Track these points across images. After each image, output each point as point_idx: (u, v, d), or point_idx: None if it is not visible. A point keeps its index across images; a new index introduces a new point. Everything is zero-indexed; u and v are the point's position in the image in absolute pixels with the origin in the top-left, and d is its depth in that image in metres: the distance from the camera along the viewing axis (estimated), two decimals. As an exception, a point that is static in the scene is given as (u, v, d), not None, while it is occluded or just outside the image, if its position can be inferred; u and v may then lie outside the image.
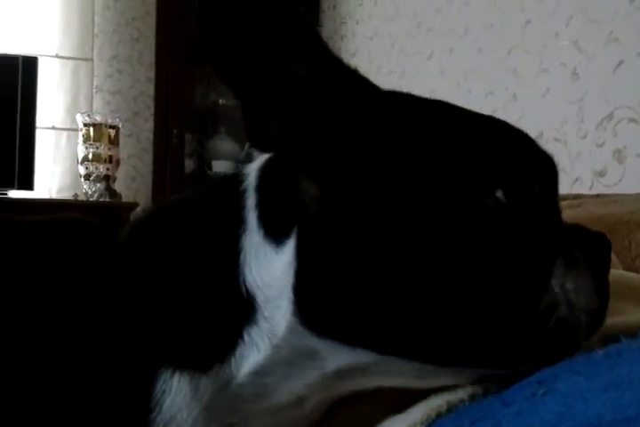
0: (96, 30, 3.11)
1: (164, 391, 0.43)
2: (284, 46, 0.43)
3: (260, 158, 0.50)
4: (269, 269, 0.44)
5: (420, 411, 0.42)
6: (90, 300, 0.46)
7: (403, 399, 0.45)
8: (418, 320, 0.41)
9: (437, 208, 0.41)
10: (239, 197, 0.47)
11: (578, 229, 0.46)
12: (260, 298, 0.44)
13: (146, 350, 0.44)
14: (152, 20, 3.14)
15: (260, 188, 0.47)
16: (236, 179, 0.49)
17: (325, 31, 3.06)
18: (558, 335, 0.40)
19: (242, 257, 0.45)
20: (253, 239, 0.45)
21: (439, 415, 0.41)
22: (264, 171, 0.48)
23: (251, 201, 0.46)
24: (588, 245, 0.44)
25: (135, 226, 0.51)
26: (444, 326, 0.41)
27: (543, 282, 0.41)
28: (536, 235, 0.42)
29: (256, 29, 0.42)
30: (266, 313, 0.43)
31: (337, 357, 0.43)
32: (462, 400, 0.41)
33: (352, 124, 0.44)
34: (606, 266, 0.45)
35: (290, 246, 0.43)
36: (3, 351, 0.44)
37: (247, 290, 0.44)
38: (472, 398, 0.41)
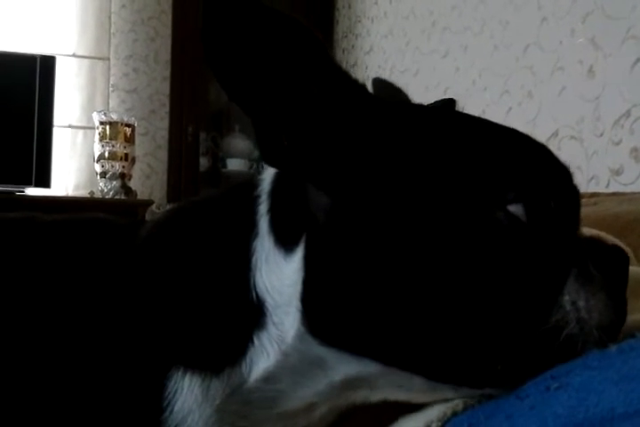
0: (112, 29, 3.14)
1: (175, 392, 0.43)
2: (296, 65, 0.43)
3: None
4: (279, 275, 0.44)
5: (437, 409, 0.42)
6: (106, 299, 0.46)
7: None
8: (423, 333, 0.41)
9: (446, 221, 0.41)
10: (253, 201, 0.47)
11: (594, 243, 0.45)
12: (269, 303, 0.44)
13: (158, 350, 0.44)
14: (168, 19, 3.15)
15: (272, 194, 0.47)
16: (251, 183, 0.49)
17: (340, 29, 3.06)
18: (567, 350, 0.39)
19: (253, 262, 0.45)
20: (265, 245, 0.45)
21: (455, 414, 0.41)
22: (278, 177, 0.48)
23: (263, 207, 0.47)
24: (605, 260, 0.43)
25: (154, 227, 0.52)
26: (448, 340, 0.40)
27: (553, 299, 0.40)
28: (548, 251, 0.41)
29: (267, 48, 0.42)
30: (275, 319, 0.44)
31: (343, 366, 0.43)
32: (479, 400, 0.41)
33: (362, 137, 0.44)
34: (624, 281, 0.43)
35: (299, 254, 0.44)
36: (18, 351, 0.45)
37: (257, 295, 0.44)
38: (489, 397, 0.41)
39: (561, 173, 0.45)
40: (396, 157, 0.43)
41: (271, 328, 0.44)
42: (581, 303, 0.40)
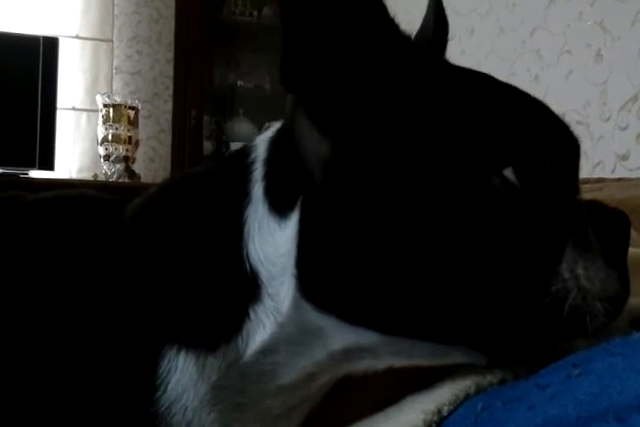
0: (116, 11, 3.11)
1: (169, 370, 0.43)
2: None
3: (271, 130, 0.49)
4: (272, 243, 0.43)
5: (449, 391, 0.41)
6: (94, 276, 0.45)
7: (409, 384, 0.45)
8: (419, 301, 0.40)
9: (442, 182, 0.40)
10: (246, 169, 0.46)
11: (596, 207, 0.43)
12: (263, 275, 0.43)
13: (150, 329, 0.43)
14: (171, 0, 3.13)
15: (267, 160, 0.46)
16: (245, 151, 0.48)
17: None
18: (574, 323, 0.39)
19: (245, 231, 0.44)
20: (258, 212, 0.44)
21: (467, 396, 0.40)
22: (273, 142, 0.47)
23: (257, 173, 0.45)
24: (606, 226, 0.41)
25: (145, 200, 0.50)
26: (447, 308, 0.40)
27: (551, 268, 0.39)
28: (544, 217, 0.40)
29: None
30: (270, 290, 0.43)
31: (341, 335, 0.43)
32: (491, 384, 0.40)
33: (383, 83, 0.43)
34: (625, 248, 0.42)
35: (293, 220, 0.43)
36: (6, 331, 0.44)
37: (251, 266, 0.43)
38: (501, 382, 0.40)
39: (559, 133, 0.44)
40: (402, 112, 0.43)
41: (266, 300, 0.43)
42: (580, 271, 0.39)
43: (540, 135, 0.42)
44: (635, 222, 0.46)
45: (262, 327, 0.43)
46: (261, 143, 0.47)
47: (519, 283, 0.39)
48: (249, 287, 0.43)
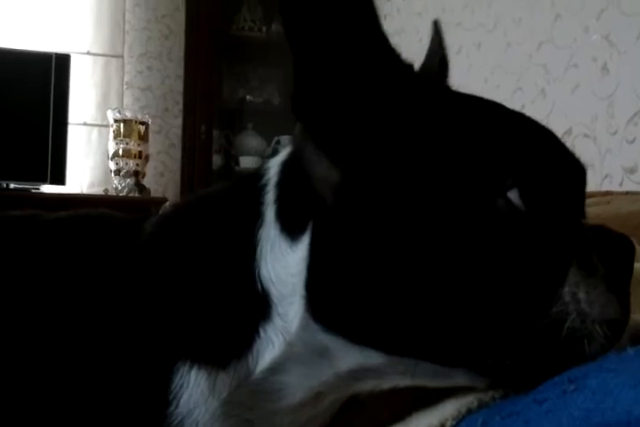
0: (126, 27, 3.15)
1: (181, 386, 0.43)
2: (352, 27, 0.43)
3: (283, 153, 0.50)
4: (284, 264, 0.44)
5: (452, 407, 0.42)
6: (111, 295, 0.47)
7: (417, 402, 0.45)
8: (424, 323, 0.41)
9: (448, 206, 0.41)
10: (259, 191, 0.47)
11: (601, 232, 0.43)
12: (274, 295, 0.44)
13: (164, 345, 0.44)
14: (181, 17, 3.17)
15: (279, 183, 0.47)
16: (257, 174, 0.49)
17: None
18: (572, 346, 0.39)
19: (258, 252, 0.45)
20: (270, 234, 0.45)
21: (470, 411, 0.41)
22: (285, 166, 0.48)
23: (270, 196, 0.47)
24: (610, 250, 0.42)
25: (160, 220, 0.52)
26: (451, 329, 0.41)
27: (553, 291, 0.40)
28: (548, 240, 0.41)
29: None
30: (280, 310, 0.44)
31: (348, 356, 0.43)
32: (493, 398, 0.41)
33: (388, 112, 0.44)
34: (628, 273, 0.42)
35: (304, 242, 0.44)
36: (24, 348, 0.45)
37: (262, 285, 0.44)
38: (503, 396, 0.41)
39: (564, 158, 0.44)
40: (407, 139, 0.44)
41: (276, 319, 0.44)
42: (581, 295, 0.39)
43: (544, 159, 0.43)
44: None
45: (272, 346, 0.44)
46: (274, 166, 0.49)
47: (521, 305, 0.40)
48: (260, 306, 0.44)
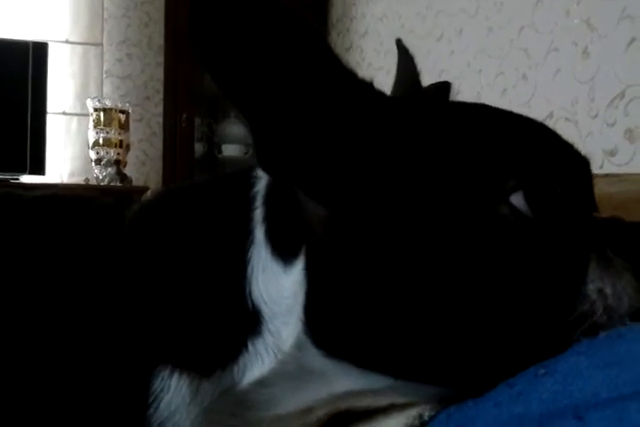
0: (105, 15, 3.11)
1: (162, 389, 0.42)
2: (294, 61, 0.40)
3: None
4: (277, 287, 0.43)
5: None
6: (91, 286, 0.45)
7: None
8: (435, 344, 0.39)
9: (451, 229, 0.39)
10: (248, 205, 0.45)
11: (612, 224, 0.42)
12: (265, 313, 0.43)
13: (144, 347, 0.43)
14: (161, 4, 3.12)
15: (268, 200, 0.45)
16: (247, 181, 0.47)
17: (335, 12, 3.03)
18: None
19: (249, 270, 0.44)
20: (261, 254, 0.44)
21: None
22: (274, 185, 0.45)
23: (259, 213, 0.45)
24: (625, 240, 0.40)
25: (143, 212, 0.50)
26: (462, 350, 0.39)
27: (576, 291, 0.38)
28: (562, 243, 0.39)
29: (261, 43, 0.39)
30: (271, 327, 0.43)
31: (348, 379, 0.42)
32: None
33: (363, 144, 0.42)
34: None
35: (298, 267, 0.42)
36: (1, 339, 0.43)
37: (253, 303, 0.43)
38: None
39: (565, 154, 0.43)
40: (390, 162, 0.41)
41: (267, 336, 0.43)
42: (608, 290, 0.38)
43: (544, 156, 0.41)
44: (624, 216, 0.45)
45: (261, 361, 0.43)
46: (264, 177, 0.46)
47: (541, 317, 0.38)
48: (249, 321, 0.43)
